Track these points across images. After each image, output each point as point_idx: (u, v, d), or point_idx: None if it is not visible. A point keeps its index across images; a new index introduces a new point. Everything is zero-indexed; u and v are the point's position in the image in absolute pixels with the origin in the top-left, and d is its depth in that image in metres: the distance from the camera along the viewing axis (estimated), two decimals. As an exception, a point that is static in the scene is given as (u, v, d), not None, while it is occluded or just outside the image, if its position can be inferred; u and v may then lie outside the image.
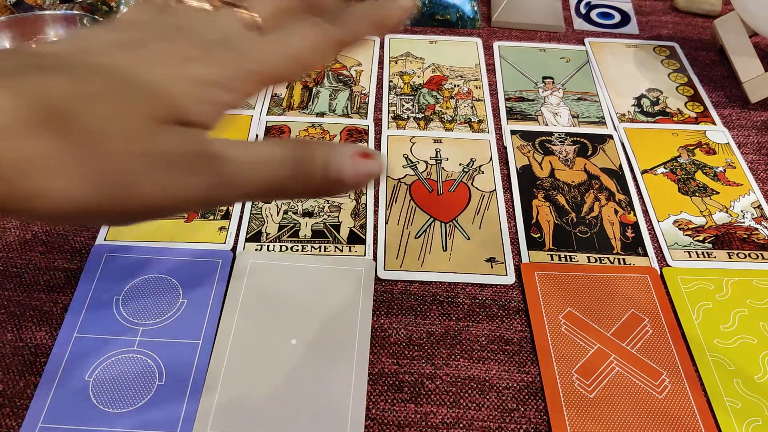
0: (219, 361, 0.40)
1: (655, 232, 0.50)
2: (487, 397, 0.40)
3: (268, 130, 0.57)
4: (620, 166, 0.56)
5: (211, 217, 0.49)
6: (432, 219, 0.50)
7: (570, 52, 0.69)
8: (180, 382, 0.39)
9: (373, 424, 0.38)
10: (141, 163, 0.22)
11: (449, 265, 0.47)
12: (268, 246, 0.47)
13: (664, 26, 0.74)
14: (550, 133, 0.58)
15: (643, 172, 0.55)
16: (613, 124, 0.60)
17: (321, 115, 0.59)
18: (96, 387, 0.39)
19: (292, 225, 0.49)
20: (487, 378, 0.41)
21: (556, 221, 0.51)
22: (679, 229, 0.51)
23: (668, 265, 0.48)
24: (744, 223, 0.51)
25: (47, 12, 0.63)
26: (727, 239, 0.50)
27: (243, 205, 0.50)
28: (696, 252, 0.49)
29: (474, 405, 0.39)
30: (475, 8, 0.71)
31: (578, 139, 0.58)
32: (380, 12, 0.29)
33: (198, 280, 0.45)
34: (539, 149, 0.57)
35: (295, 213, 0.50)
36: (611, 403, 0.39)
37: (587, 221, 0.51)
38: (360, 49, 0.67)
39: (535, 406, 0.39)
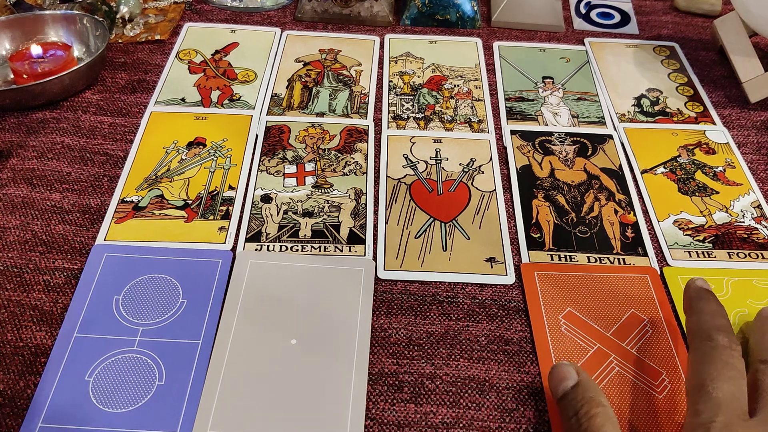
0: (219, 361, 0.40)
1: (655, 232, 0.50)
2: (487, 397, 0.40)
3: (268, 130, 0.57)
4: (620, 166, 0.56)
5: (211, 217, 0.49)
6: (432, 219, 0.50)
7: (570, 52, 0.69)
8: (180, 382, 0.39)
9: (373, 424, 0.38)
10: None
11: (449, 265, 0.47)
12: (268, 246, 0.47)
13: (664, 26, 0.74)
14: (550, 133, 0.58)
15: (643, 171, 0.55)
16: (613, 124, 0.60)
17: (321, 115, 0.59)
18: (96, 387, 0.39)
19: (292, 225, 0.49)
20: (487, 378, 0.41)
21: (556, 221, 0.51)
22: (679, 228, 0.51)
23: (668, 265, 0.48)
24: (744, 222, 0.51)
25: (47, 12, 0.63)
26: (727, 239, 0.50)
27: (243, 205, 0.50)
28: (696, 252, 0.49)
29: (474, 405, 0.39)
30: (475, 8, 0.71)
31: (578, 139, 0.58)
32: None
33: (198, 280, 0.45)
34: (539, 149, 0.57)
35: (295, 213, 0.50)
36: (611, 403, 0.39)
37: (587, 221, 0.51)
38: (360, 49, 0.67)
39: (535, 406, 0.39)
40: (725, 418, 0.32)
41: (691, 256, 0.48)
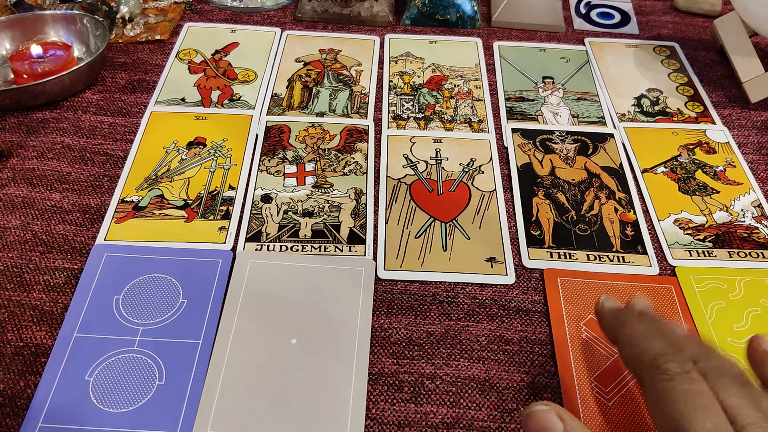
0: (219, 361, 0.40)
1: (655, 231, 0.50)
2: (487, 397, 0.40)
3: (269, 130, 0.57)
4: (621, 164, 0.56)
5: (211, 217, 0.49)
6: (432, 219, 0.50)
7: (570, 52, 0.69)
8: (180, 382, 0.39)
9: (373, 424, 0.38)
10: None
11: (449, 265, 0.47)
12: (268, 246, 0.47)
13: (664, 26, 0.74)
14: (551, 132, 0.58)
15: (644, 171, 0.55)
16: (613, 123, 0.60)
17: (321, 115, 0.59)
18: (96, 387, 0.39)
19: (292, 225, 0.49)
20: (487, 378, 0.41)
21: (556, 219, 0.51)
22: (680, 228, 0.51)
23: (668, 264, 0.48)
24: (744, 222, 0.51)
25: (47, 12, 0.63)
26: (728, 238, 0.50)
27: (243, 205, 0.50)
28: (697, 251, 0.49)
29: (474, 405, 0.39)
30: (475, 8, 0.71)
31: (579, 137, 0.58)
32: None
33: (198, 280, 0.45)
34: (540, 147, 0.57)
35: (295, 213, 0.50)
36: (629, 411, 0.39)
37: (587, 219, 0.51)
38: (360, 49, 0.67)
39: (536, 406, 0.39)
40: None
41: (691, 255, 0.48)
